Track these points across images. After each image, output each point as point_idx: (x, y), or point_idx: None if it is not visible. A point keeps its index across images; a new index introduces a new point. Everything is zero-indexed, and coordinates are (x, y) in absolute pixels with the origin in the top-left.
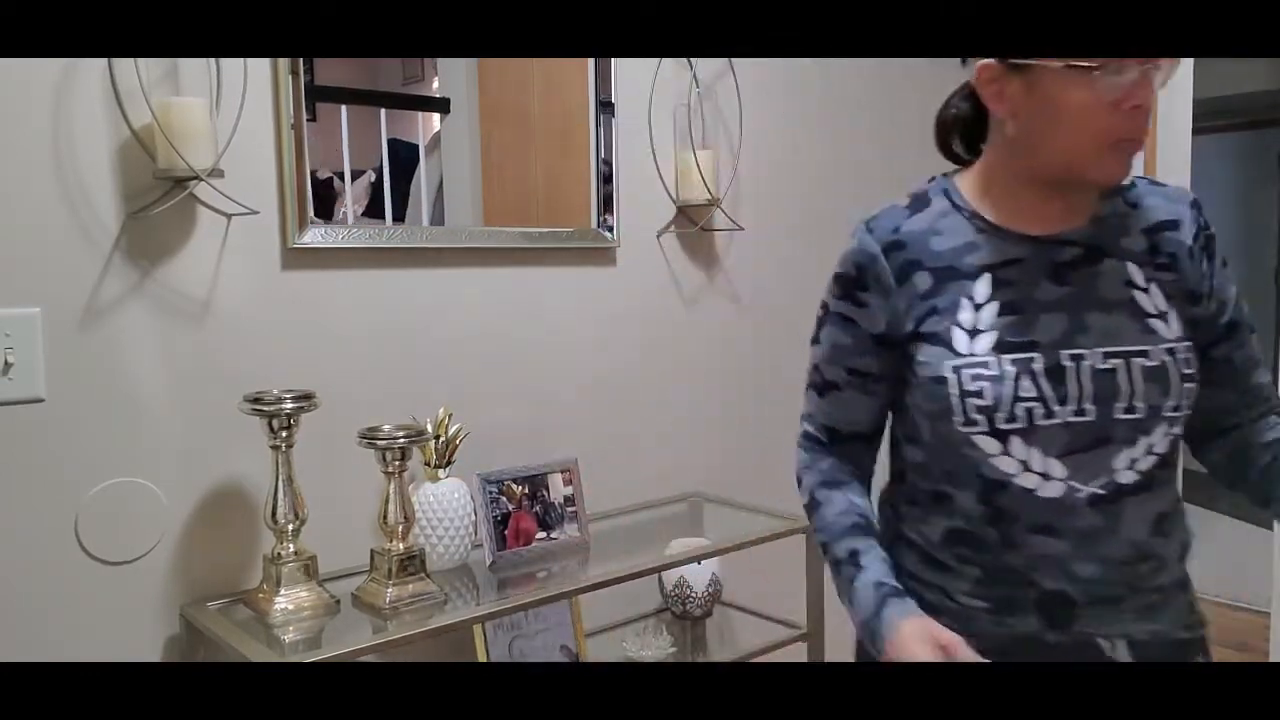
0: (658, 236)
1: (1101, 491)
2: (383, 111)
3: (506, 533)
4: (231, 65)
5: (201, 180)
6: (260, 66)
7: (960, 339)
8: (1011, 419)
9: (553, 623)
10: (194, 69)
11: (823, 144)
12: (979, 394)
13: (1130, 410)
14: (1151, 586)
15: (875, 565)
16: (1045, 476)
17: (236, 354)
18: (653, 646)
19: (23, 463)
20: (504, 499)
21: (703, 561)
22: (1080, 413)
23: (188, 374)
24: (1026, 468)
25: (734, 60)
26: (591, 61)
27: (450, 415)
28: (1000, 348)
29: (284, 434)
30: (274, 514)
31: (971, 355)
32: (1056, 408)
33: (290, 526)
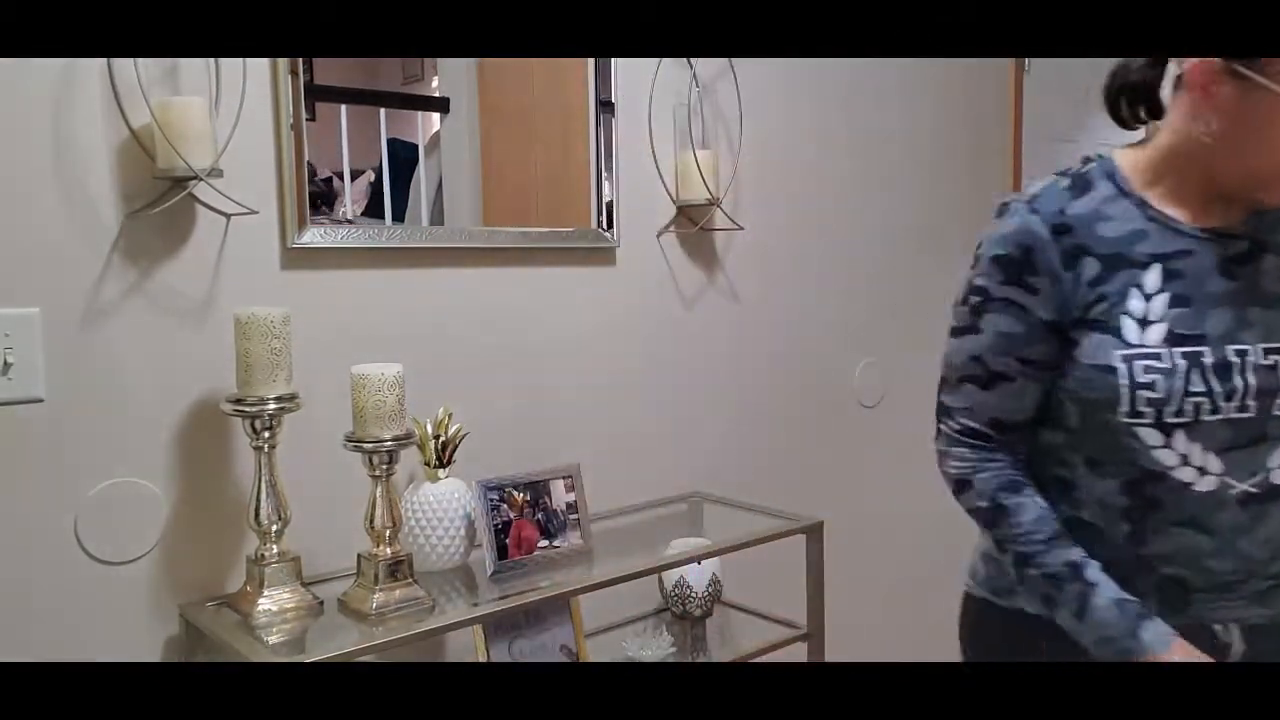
0: (658, 236)
1: (1254, 489)
2: (382, 111)
3: (508, 541)
4: (231, 65)
5: (201, 180)
6: (259, 66)
7: (1130, 329)
8: (1179, 413)
9: (552, 623)
10: (193, 69)
11: (823, 144)
12: (1150, 386)
13: None
14: (1270, 574)
15: (1106, 580)
16: (1203, 471)
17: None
18: (653, 646)
19: (22, 463)
20: (505, 506)
21: (703, 561)
22: (1243, 409)
23: (187, 374)
24: (1186, 461)
25: (734, 60)
26: (591, 61)
27: (450, 415)
28: (1170, 340)
29: (266, 434)
30: (257, 515)
31: (1142, 346)
32: (1222, 404)
33: (274, 528)
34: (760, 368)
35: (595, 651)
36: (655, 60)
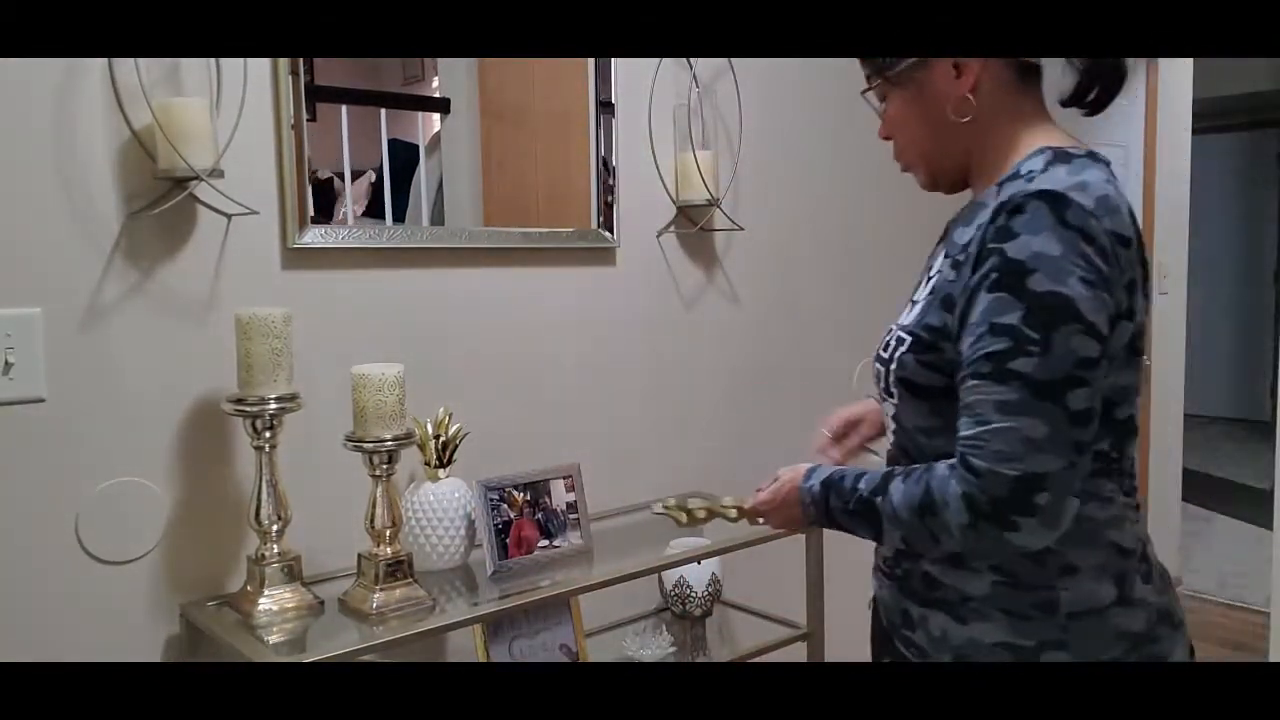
0: (658, 236)
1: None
2: (383, 111)
3: (508, 540)
4: (232, 65)
5: (202, 180)
6: (260, 66)
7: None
8: (876, 380)
9: (553, 623)
10: (194, 69)
11: (822, 145)
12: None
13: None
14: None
15: None
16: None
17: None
18: (653, 646)
19: (23, 463)
20: (505, 506)
21: (703, 561)
22: (879, 380)
23: (188, 374)
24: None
25: (734, 60)
26: (591, 61)
27: (450, 415)
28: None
29: (267, 434)
30: (257, 515)
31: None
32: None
33: (274, 527)
34: (760, 368)
35: (595, 651)
36: (655, 60)
